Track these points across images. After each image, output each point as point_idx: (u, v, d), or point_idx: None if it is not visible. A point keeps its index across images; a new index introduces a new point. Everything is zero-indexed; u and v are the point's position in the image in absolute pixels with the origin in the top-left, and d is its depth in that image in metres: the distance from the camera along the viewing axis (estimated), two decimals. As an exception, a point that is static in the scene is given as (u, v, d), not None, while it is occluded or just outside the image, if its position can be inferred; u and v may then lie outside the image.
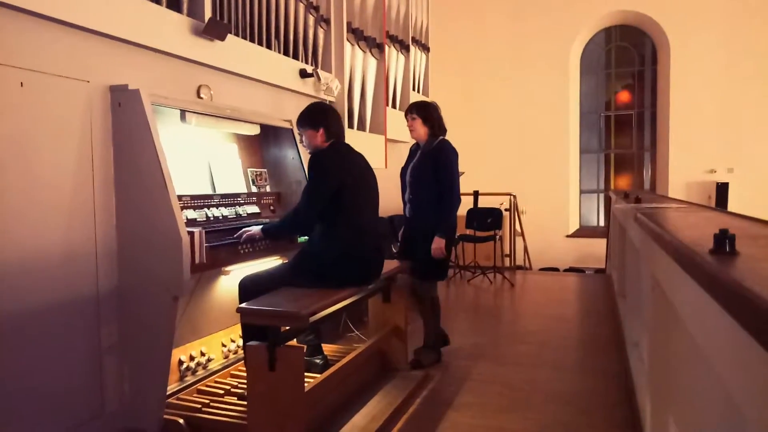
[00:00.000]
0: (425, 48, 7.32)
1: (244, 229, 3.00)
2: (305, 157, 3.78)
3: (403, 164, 3.86)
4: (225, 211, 3.15)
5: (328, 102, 4.75)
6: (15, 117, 2.24)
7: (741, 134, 8.58)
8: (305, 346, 2.99)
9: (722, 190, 8.48)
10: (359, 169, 3.07)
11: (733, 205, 8.12)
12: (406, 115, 3.77)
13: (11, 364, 2.22)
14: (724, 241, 1.06)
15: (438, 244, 3.53)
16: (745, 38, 8.49)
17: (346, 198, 2.90)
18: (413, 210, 3.72)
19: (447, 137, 3.75)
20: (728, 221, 1.83)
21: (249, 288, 2.81)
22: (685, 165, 8.88)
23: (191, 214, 2.90)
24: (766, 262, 1.03)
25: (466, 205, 6.78)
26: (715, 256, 1.03)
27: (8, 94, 2.21)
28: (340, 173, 2.90)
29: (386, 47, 5.91)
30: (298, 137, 3.14)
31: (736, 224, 1.67)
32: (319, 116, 3.03)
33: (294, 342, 2.59)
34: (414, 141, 3.82)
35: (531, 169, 9.31)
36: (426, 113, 3.67)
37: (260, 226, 3.00)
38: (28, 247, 2.28)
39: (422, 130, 3.67)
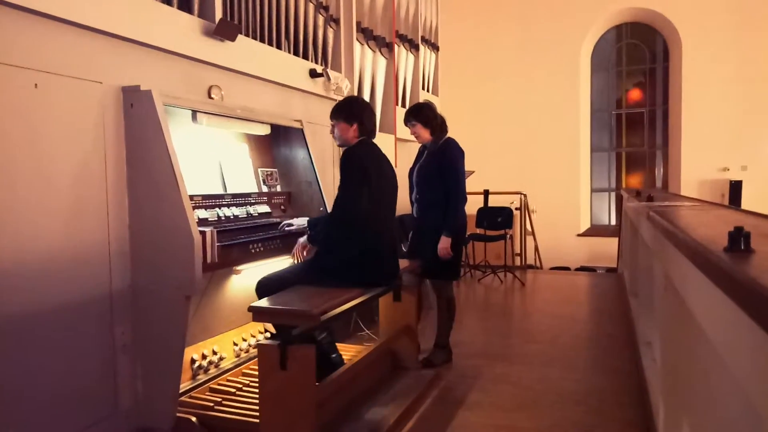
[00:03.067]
0: (435, 47, 7.31)
1: (299, 240, 3.02)
2: (316, 156, 3.79)
3: (411, 164, 3.86)
4: (236, 211, 3.17)
5: (338, 100, 4.76)
6: (29, 118, 2.26)
7: (754, 132, 8.48)
8: (317, 345, 3.00)
9: (735, 188, 8.40)
10: (386, 171, 3.10)
11: (746, 203, 8.04)
12: (405, 124, 3.77)
13: (26, 363, 2.24)
14: (739, 239, 1.05)
15: (444, 243, 3.53)
16: (757, 35, 8.40)
17: (370, 198, 2.90)
18: (421, 210, 3.72)
19: (456, 136, 3.74)
20: (742, 219, 1.81)
21: (267, 288, 2.82)
22: (698, 163, 8.80)
23: (203, 213, 2.92)
24: (782, 260, 1.01)
25: (476, 204, 6.79)
26: (730, 254, 1.02)
27: (22, 95, 2.24)
28: (370, 169, 2.92)
29: (395, 47, 5.90)
30: (329, 128, 3.15)
31: (751, 222, 1.65)
32: (357, 111, 3.04)
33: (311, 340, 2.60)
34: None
35: (541, 168, 9.27)
36: (423, 117, 3.67)
37: (305, 237, 3.01)
38: (41, 248, 2.30)
39: (425, 133, 3.68)
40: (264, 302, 2.58)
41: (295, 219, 3.28)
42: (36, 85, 2.28)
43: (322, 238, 2.96)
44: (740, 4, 8.44)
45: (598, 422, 2.87)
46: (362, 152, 2.97)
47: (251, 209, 3.30)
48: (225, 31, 3.25)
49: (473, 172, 6.08)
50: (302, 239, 3.03)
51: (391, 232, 3.15)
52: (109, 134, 2.60)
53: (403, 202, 3.92)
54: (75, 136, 2.45)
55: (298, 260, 3.05)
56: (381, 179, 3.00)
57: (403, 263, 3.48)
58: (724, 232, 1.10)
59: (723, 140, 8.63)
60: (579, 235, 9.40)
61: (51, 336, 2.34)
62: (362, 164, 2.91)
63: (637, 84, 9.83)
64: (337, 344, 3.45)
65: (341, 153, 3.08)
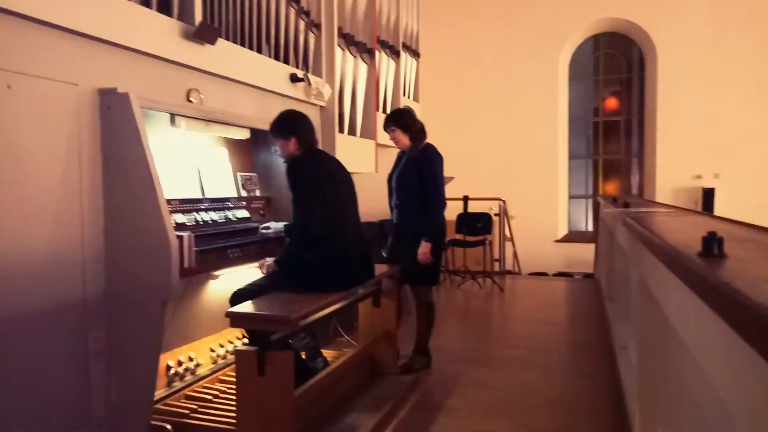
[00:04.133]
0: (415, 54, 7.35)
1: (267, 265, 2.94)
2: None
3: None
4: (214, 216, 3.14)
5: (318, 105, 4.75)
6: (1, 120, 2.21)
7: (727, 140, 8.68)
8: (297, 351, 2.97)
9: (708, 195, 8.57)
10: (335, 174, 3.06)
11: (719, 210, 8.20)
12: (385, 129, 3.77)
13: (-4, 369, 2.19)
14: (712, 244, 1.07)
15: (424, 249, 3.54)
16: (730, 46, 8.61)
17: (325, 206, 2.86)
18: (400, 215, 3.72)
19: (436, 143, 3.76)
20: (716, 225, 1.84)
21: (242, 300, 2.77)
22: (672, 171, 8.96)
23: (180, 218, 2.89)
24: (753, 265, 1.04)
25: (456, 209, 6.82)
26: (704, 258, 1.04)
27: (-5, 96, 2.19)
28: (319, 178, 2.89)
29: (377, 52, 5.92)
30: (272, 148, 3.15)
31: (724, 228, 1.68)
32: (290, 125, 3.01)
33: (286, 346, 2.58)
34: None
35: (520, 175, 9.36)
36: (402, 122, 3.68)
37: (273, 259, 2.93)
38: (14, 251, 2.25)
39: (404, 139, 3.69)
40: (241, 308, 2.55)
41: (272, 223, 3.27)
42: (9, 86, 2.23)
43: (287, 260, 2.89)
44: (715, 16, 8.65)
45: (576, 426, 2.90)
46: (305, 163, 2.93)
47: (230, 214, 3.27)
48: (205, 34, 3.22)
49: (453, 178, 6.10)
50: (270, 261, 2.95)
51: (357, 233, 3.11)
52: (84, 137, 2.56)
53: (385, 207, 3.92)
54: (50, 139, 2.41)
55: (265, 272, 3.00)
56: (332, 185, 2.96)
57: (383, 268, 3.48)
58: (698, 238, 1.12)
59: (697, 148, 8.81)
60: (557, 241, 9.50)
61: (21, 342, 2.28)
62: (306, 176, 2.87)
63: (614, 93, 9.99)
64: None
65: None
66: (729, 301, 0.76)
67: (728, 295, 0.77)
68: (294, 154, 2.99)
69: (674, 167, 8.93)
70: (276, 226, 3.24)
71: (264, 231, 3.23)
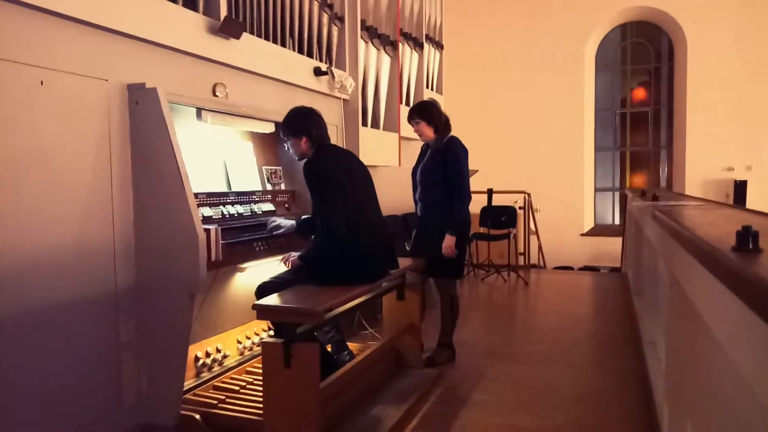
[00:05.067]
0: (439, 45, 7.30)
1: (291, 260, 2.96)
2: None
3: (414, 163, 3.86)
4: (240, 209, 3.17)
5: (342, 98, 4.76)
6: (35, 115, 2.27)
7: (759, 131, 8.44)
8: (322, 343, 2.99)
9: (740, 187, 8.36)
10: (352, 168, 3.02)
11: (751, 203, 8.00)
12: (409, 122, 3.75)
13: (30, 359, 2.25)
14: (747, 238, 1.04)
15: (448, 242, 3.52)
16: (762, 34, 8.35)
17: (348, 203, 2.84)
18: (424, 208, 3.71)
19: (460, 135, 3.73)
20: (749, 218, 1.80)
21: (267, 294, 2.80)
22: (702, 163, 8.76)
23: (207, 211, 2.92)
24: (790, 260, 1.01)
25: (480, 203, 6.78)
26: (739, 253, 1.02)
27: (28, 92, 2.24)
28: (337, 174, 2.85)
29: (400, 45, 5.90)
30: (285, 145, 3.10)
31: (757, 221, 1.64)
32: (300, 124, 2.97)
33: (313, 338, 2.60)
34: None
35: (545, 167, 9.25)
36: (427, 114, 3.65)
37: (298, 254, 2.94)
38: (46, 245, 2.31)
39: (429, 132, 3.67)
40: (268, 300, 2.58)
41: (282, 220, 3.21)
42: (42, 82, 2.29)
43: (313, 258, 2.89)
44: (745, 3, 8.40)
45: (602, 422, 2.87)
46: (321, 162, 2.89)
47: (255, 207, 3.30)
48: (230, 28, 3.25)
49: (477, 171, 6.07)
50: (294, 256, 2.96)
51: (380, 226, 3.08)
52: (114, 131, 2.61)
53: (408, 201, 3.92)
54: (80, 134, 2.46)
55: (289, 267, 3.01)
56: (352, 179, 2.92)
57: (407, 262, 3.48)
58: (731, 232, 1.10)
59: (728, 140, 8.59)
60: (583, 234, 9.37)
61: (55, 332, 2.35)
62: (326, 174, 2.82)
63: (641, 83, 9.79)
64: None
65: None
66: (765, 297, 0.75)
67: (764, 290, 0.75)
68: (307, 153, 2.97)
69: (704, 159, 8.73)
70: (287, 223, 3.18)
71: (276, 232, 3.17)
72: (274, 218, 3.25)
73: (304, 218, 3.26)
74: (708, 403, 1.50)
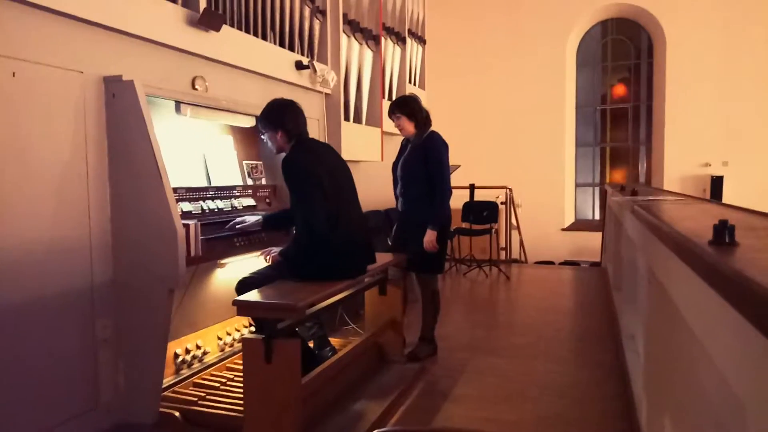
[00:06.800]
0: (421, 41, 7.29)
1: (272, 255, 2.93)
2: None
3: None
4: (220, 204, 3.14)
5: (323, 93, 4.73)
6: (7, 107, 2.21)
7: (736, 128, 8.59)
8: (304, 339, 2.98)
9: (717, 183, 8.50)
10: (331, 162, 2.98)
11: (727, 199, 8.14)
12: (390, 116, 3.73)
13: (5, 356, 2.20)
14: (723, 232, 1.05)
15: (430, 236, 3.53)
16: (740, 32, 8.49)
17: (328, 198, 2.80)
18: (405, 203, 3.71)
19: (442, 130, 3.73)
20: (726, 213, 1.82)
21: (248, 289, 2.77)
22: (680, 158, 8.89)
23: (186, 206, 2.88)
24: (766, 253, 1.02)
25: (462, 198, 6.80)
26: (715, 246, 1.03)
27: (0, 84, 2.18)
28: (316, 170, 2.80)
29: (382, 39, 5.88)
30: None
31: (734, 216, 1.66)
32: (277, 117, 2.88)
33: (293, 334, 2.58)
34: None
35: (527, 163, 9.30)
36: (408, 109, 3.64)
37: (278, 250, 2.91)
38: (21, 240, 2.26)
39: (409, 126, 3.65)
40: (248, 296, 2.55)
41: (248, 217, 3.14)
42: (14, 73, 2.23)
43: (293, 254, 2.84)
44: (725, 1, 8.52)
45: (582, 415, 2.90)
46: (299, 157, 2.83)
47: (236, 202, 3.26)
48: (209, 20, 3.20)
49: (459, 166, 6.08)
50: (275, 252, 2.93)
51: (359, 221, 3.06)
52: (90, 125, 2.56)
53: (390, 196, 3.91)
54: (55, 127, 2.41)
55: (269, 262, 2.98)
56: (331, 174, 2.87)
57: (388, 257, 3.48)
58: (708, 226, 1.11)
59: (705, 136, 8.72)
60: (563, 229, 9.46)
61: (30, 329, 2.30)
62: (305, 172, 2.77)
63: (621, 80, 9.88)
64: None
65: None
66: (741, 290, 0.75)
67: (740, 283, 0.76)
68: (284, 147, 2.91)
69: (682, 155, 8.86)
70: (252, 219, 3.11)
71: (239, 226, 3.09)
72: (243, 216, 3.17)
73: (271, 214, 3.22)
74: (685, 394, 1.52)
